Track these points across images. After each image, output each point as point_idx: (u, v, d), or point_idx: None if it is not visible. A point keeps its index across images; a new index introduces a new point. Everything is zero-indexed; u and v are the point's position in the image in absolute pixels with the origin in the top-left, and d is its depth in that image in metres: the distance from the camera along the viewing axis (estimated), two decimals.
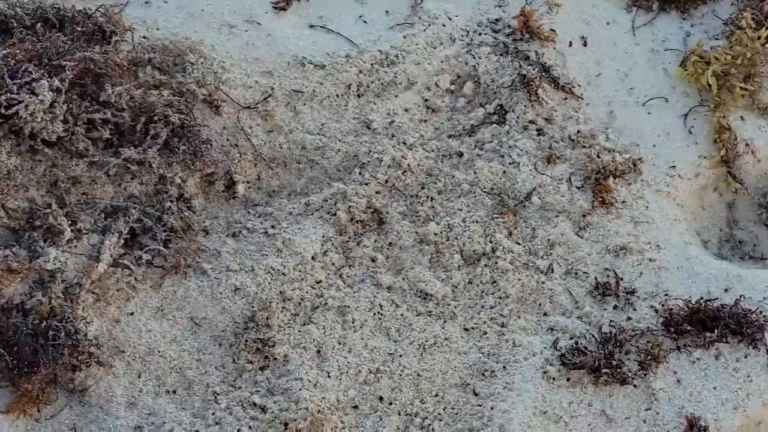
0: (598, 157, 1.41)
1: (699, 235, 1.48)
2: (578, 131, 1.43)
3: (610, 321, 1.33)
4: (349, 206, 1.34)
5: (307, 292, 1.30)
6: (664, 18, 1.60)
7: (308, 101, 1.41)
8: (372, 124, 1.42)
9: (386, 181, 1.35)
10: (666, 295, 1.36)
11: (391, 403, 1.22)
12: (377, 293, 1.31)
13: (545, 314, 1.35)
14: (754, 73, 1.48)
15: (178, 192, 1.31)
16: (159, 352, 1.24)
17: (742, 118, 1.47)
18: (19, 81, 1.20)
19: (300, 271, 1.31)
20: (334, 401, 1.20)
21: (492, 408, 1.22)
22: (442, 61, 1.49)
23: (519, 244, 1.35)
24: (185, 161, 1.35)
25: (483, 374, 1.28)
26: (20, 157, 1.25)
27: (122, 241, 1.27)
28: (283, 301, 1.28)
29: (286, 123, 1.44)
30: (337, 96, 1.44)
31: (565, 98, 1.47)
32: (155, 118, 1.32)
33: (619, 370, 1.28)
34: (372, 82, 1.46)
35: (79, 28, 1.33)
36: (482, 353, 1.29)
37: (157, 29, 1.45)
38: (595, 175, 1.40)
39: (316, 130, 1.41)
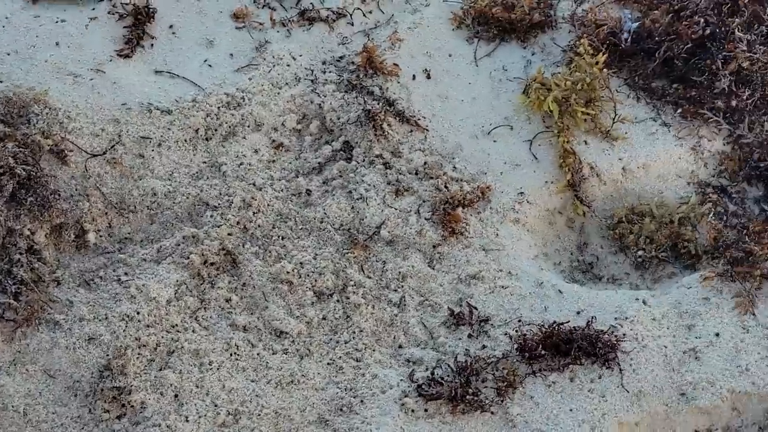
0: (446, 187, 1.65)
1: (550, 260, 1.72)
2: (425, 163, 1.67)
3: (466, 350, 1.54)
4: (202, 249, 1.56)
5: (162, 337, 1.50)
6: (505, 48, 1.89)
7: (156, 147, 1.63)
8: (222, 167, 1.64)
9: (237, 223, 1.56)
10: (519, 321, 1.59)
11: None
12: (233, 334, 1.52)
13: (400, 346, 1.56)
14: (595, 98, 1.79)
15: (27, 244, 1.52)
16: (13, 407, 1.42)
17: (585, 142, 1.73)
18: None
19: (155, 316, 1.51)
20: None
21: None
22: (287, 101, 1.73)
23: (370, 278, 1.58)
24: (33, 213, 1.55)
25: (341, 410, 1.48)
26: None
27: None
28: (139, 347, 1.48)
29: (135, 170, 1.67)
30: (185, 140, 1.67)
31: (411, 131, 1.72)
32: (0, 171, 1.50)
33: (476, 398, 1.47)
34: (219, 125, 1.68)
35: None
36: (339, 388, 1.49)
37: (0, 81, 1.65)
38: (443, 205, 1.64)
39: (166, 176, 1.62)
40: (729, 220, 1.74)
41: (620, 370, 1.53)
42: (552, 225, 1.78)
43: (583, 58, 1.85)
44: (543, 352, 1.53)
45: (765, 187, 1.73)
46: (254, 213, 1.63)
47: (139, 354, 1.48)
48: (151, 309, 1.51)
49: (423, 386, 1.48)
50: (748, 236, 1.68)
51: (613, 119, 1.80)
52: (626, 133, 1.81)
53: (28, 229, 1.54)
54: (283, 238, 1.62)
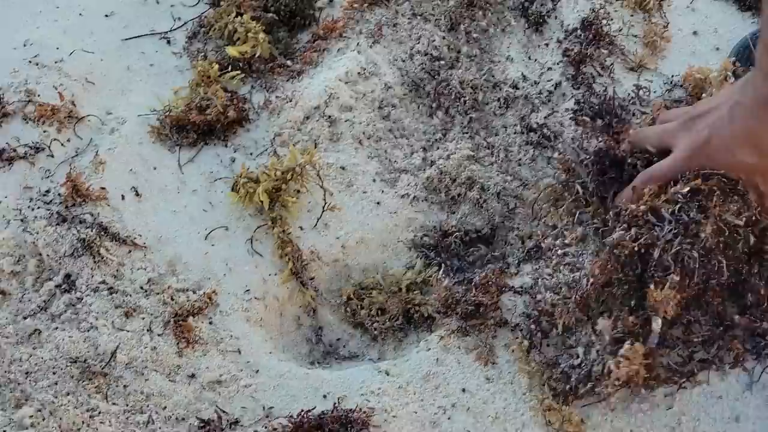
0: (173, 300, 1.86)
1: (288, 350, 1.96)
2: (148, 280, 1.89)
3: None
4: None
5: None
6: (208, 150, 2.15)
7: None
8: None
9: None
10: (268, 417, 1.85)
11: None
12: None
13: None
14: (305, 185, 2.12)
15: None
16: None
17: (301, 228, 1.98)
18: None
19: None
20: None
21: None
22: (1, 246, 1.87)
23: (116, 404, 1.73)
24: None
25: None
26: None
27: None
28: None
29: None
30: None
31: (130, 251, 1.93)
32: None
33: None
34: None
35: None
36: None
37: None
38: (174, 318, 1.84)
39: None
40: (455, 276, 1.94)
41: None
42: (284, 315, 2.01)
43: (293, 147, 2.08)
44: None
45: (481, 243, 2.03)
46: None
47: None
48: None
49: None
50: (475, 289, 1.94)
51: (323, 207, 2.04)
52: (341, 211, 2.02)
53: None
54: (19, 384, 1.76)
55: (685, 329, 1.85)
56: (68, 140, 2.29)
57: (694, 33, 2.46)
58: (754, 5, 2.45)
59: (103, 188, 2.17)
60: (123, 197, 2.19)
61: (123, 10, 2.66)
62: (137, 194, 2.21)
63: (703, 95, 2.24)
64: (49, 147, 2.24)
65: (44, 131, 2.26)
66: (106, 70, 2.48)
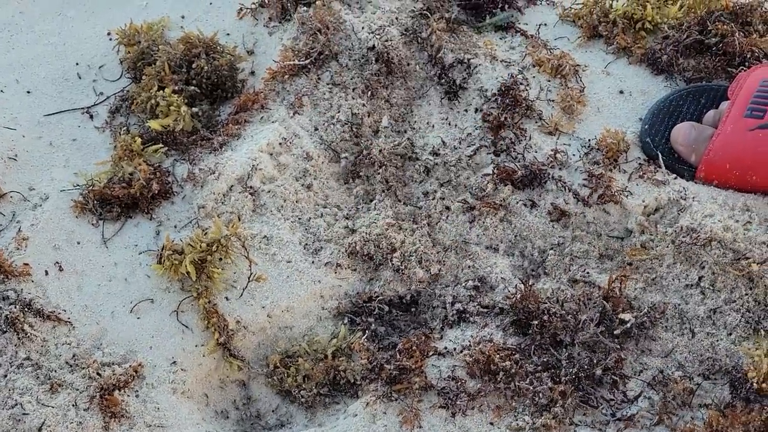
0: (98, 374, 1.96)
1: (217, 421, 2.06)
2: (74, 355, 1.97)
3: None
4: None
5: None
6: (132, 223, 2.24)
7: None
8: None
9: None
10: None
11: None
12: None
13: None
14: (230, 256, 2.18)
15: None
16: None
17: (227, 299, 2.08)
18: None
19: None
20: None
21: None
22: None
23: None
24: None
25: None
26: None
27: None
28: None
29: None
30: None
31: (54, 326, 2.01)
32: None
33: None
34: None
35: None
36: None
37: None
38: (99, 392, 1.93)
39: None
40: (381, 342, 2.05)
41: None
42: (211, 386, 2.10)
43: (218, 219, 2.19)
44: None
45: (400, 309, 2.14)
46: None
47: None
48: None
49: None
50: (399, 354, 2.03)
51: (248, 277, 2.15)
52: (267, 280, 2.13)
53: None
54: None
55: None
56: None
57: (609, 97, 2.62)
58: (666, 69, 2.63)
59: (26, 264, 2.26)
60: (47, 273, 2.28)
61: (45, 86, 2.77)
62: (61, 269, 2.30)
63: (618, 158, 2.40)
64: None
65: None
66: (29, 147, 2.57)
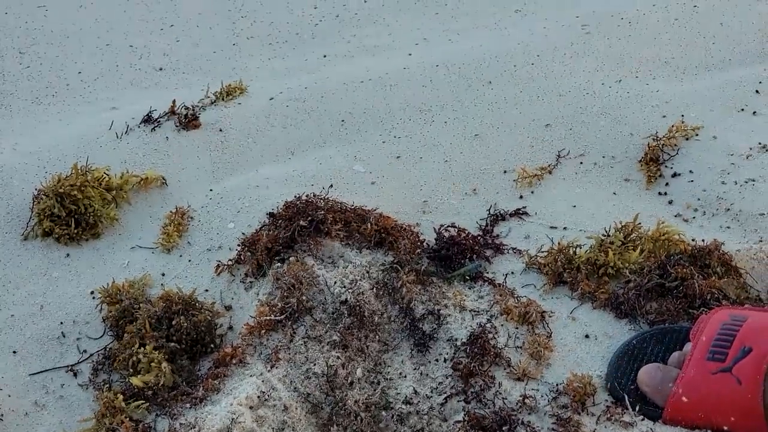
0: None
1: None
2: None
3: None
4: None
5: None
6: None
7: None
8: None
9: None
10: None
11: None
12: None
13: None
14: None
15: None
16: None
17: None
18: None
19: None
20: None
21: None
22: None
23: None
24: None
25: None
26: None
27: None
28: None
29: None
30: None
31: None
32: None
33: None
34: None
35: None
36: None
37: None
38: None
39: None
40: None
41: None
42: None
43: None
44: None
45: None
46: None
47: None
48: None
49: None
50: None
51: None
52: None
53: None
54: None
55: None
56: None
57: (576, 341, 2.76)
58: (630, 313, 2.78)
59: None
60: None
61: (29, 345, 2.91)
62: None
63: (586, 402, 2.52)
64: None
65: None
66: (14, 406, 2.68)
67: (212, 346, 2.84)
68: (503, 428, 2.46)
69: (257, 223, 3.24)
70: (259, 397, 2.62)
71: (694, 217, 3.27)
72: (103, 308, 3.00)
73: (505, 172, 3.54)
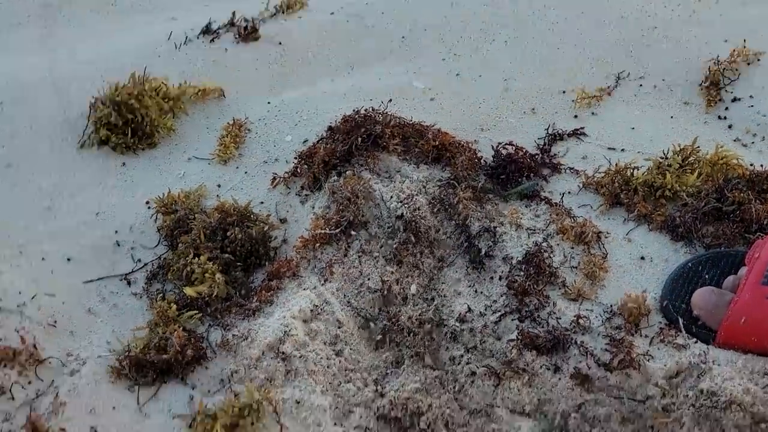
0: None
1: None
2: None
3: None
4: None
5: None
6: (167, 389, 2.34)
7: None
8: None
9: None
10: None
11: None
12: None
13: None
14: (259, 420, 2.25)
15: None
16: None
17: None
18: None
19: None
20: None
21: None
22: None
23: None
24: None
25: None
26: None
27: None
28: None
29: None
30: None
31: None
32: None
33: None
34: None
35: None
36: None
37: None
38: None
39: None
40: None
41: None
42: None
43: (250, 384, 2.30)
44: None
45: None
46: None
47: None
48: None
49: None
50: None
51: None
52: None
53: None
54: None
55: None
56: (29, 382, 2.49)
57: (631, 263, 2.74)
58: (686, 236, 2.76)
59: (63, 429, 2.37)
60: None
61: (84, 254, 2.93)
62: None
63: (640, 323, 2.51)
64: (10, 390, 2.45)
65: (5, 374, 2.48)
66: (68, 313, 2.72)
67: (266, 258, 2.84)
68: (556, 347, 2.46)
69: (314, 136, 3.23)
70: (312, 310, 2.63)
71: (753, 142, 3.22)
72: (158, 218, 3.01)
73: (564, 92, 3.49)
